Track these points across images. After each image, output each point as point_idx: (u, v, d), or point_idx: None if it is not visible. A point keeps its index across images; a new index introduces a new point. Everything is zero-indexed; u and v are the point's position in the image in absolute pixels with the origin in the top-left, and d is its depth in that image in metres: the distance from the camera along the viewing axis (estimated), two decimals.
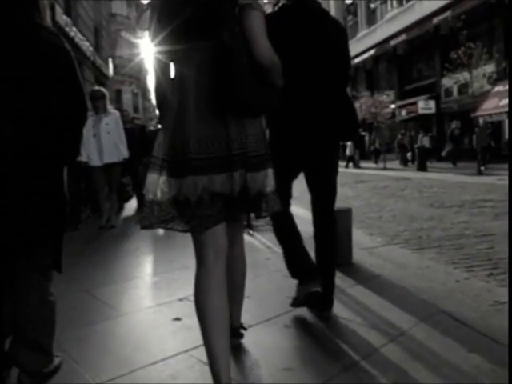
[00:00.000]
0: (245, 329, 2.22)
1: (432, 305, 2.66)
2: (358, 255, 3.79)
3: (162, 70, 1.74)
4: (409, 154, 20.44)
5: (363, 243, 4.39)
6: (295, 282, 3.00)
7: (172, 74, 1.73)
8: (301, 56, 2.20)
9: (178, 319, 2.51)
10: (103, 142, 5.43)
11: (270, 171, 1.77)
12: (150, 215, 1.70)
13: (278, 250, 3.46)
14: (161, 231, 5.65)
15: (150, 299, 2.94)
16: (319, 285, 2.45)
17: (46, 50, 1.70)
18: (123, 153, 5.63)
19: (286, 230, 2.64)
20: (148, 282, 3.35)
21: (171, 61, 1.72)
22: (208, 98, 1.61)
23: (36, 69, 1.68)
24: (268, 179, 1.75)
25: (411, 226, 5.53)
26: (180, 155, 1.61)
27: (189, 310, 2.63)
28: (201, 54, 1.64)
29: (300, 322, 2.47)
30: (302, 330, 2.37)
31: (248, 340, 2.20)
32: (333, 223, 2.64)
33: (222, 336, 1.63)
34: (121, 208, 7.13)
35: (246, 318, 2.25)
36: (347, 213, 3.68)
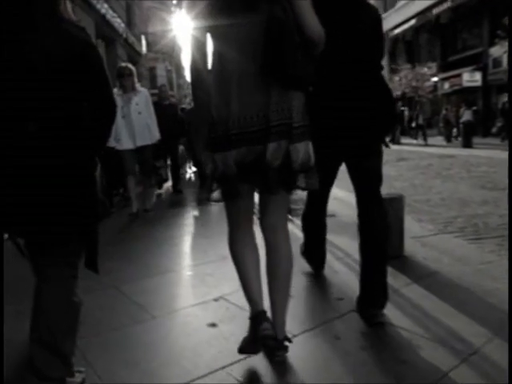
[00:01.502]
0: (290, 341, 1.94)
1: (502, 312, 2.29)
2: (410, 246, 3.43)
3: (201, 46, 1.75)
4: (454, 130, 19.34)
5: (412, 231, 3.99)
6: (344, 279, 2.73)
7: (211, 51, 1.76)
8: (333, 46, 1.98)
9: (213, 325, 2.26)
10: (134, 123, 5.02)
11: (311, 144, 1.78)
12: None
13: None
14: (195, 217, 5.44)
15: (183, 299, 2.69)
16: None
17: (70, 45, 1.59)
18: (155, 134, 5.28)
19: (315, 220, 2.75)
20: (181, 276, 3.10)
21: (212, 36, 1.74)
22: (249, 73, 1.66)
23: (59, 65, 1.57)
24: (310, 151, 1.77)
25: (464, 212, 5.06)
26: (222, 131, 1.70)
27: (225, 314, 2.40)
28: (245, 29, 1.66)
29: (353, 332, 2.16)
30: (356, 344, 2.05)
31: (293, 354, 1.92)
32: (381, 215, 2.35)
33: (255, 280, 1.94)
34: (154, 192, 6.94)
35: (289, 325, 1.97)
36: (399, 200, 3.30)
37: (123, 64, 5.45)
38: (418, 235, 3.92)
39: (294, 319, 2.17)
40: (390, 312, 2.32)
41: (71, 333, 1.74)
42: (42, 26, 1.58)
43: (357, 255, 3.24)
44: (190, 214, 5.66)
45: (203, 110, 1.76)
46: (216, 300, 2.57)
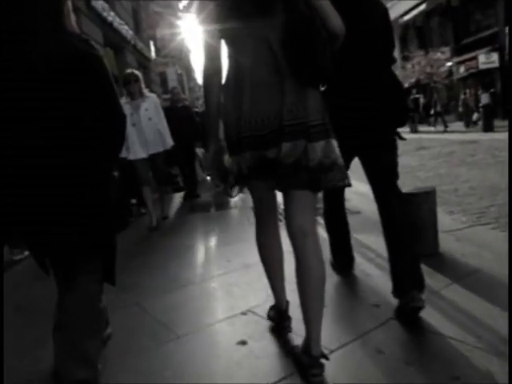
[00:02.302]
0: (326, 358, 1.77)
1: None
2: (444, 241, 3.22)
3: (213, 50, 1.74)
4: (475, 115, 18.71)
5: (444, 224, 3.76)
6: (377, 282, 2.56)
7: (227, 54, 1.75)
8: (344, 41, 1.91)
9: (243, 343, 2.10)
10: (145, 130, 4.81)
11: (334, 141, 1.72)
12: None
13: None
14: (215, 222, 5.27)
15: (208, 314, 2.53)
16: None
17: (73, 58, 1.55)
18: (168, 141, 5.07)
19: (335, 216, 2.73)
20: (204, 289, 2.94)
21: (225, 40, 1.73)
22: (263, 76, 1.66)
23: (62, 80, 1.54)
24: (331, 149, 1.70)
25: (496, 201, 4.80)
26: (234, 135, 1.72)
27: (255, 329, 2.23)
28: (258, 31, 1.65)
29: (395, 344, 1.97)
30: (400, 357, 1.86)
31: (331, 372, 1.75)
32: (401, 208, 2.32)
33: (278, 270, 2.12)
34: (170, 200, 6.80)
35: (324, 338, 1.80)
36: (431, 194, 3.09)
37: (128, 70, 5.26)
38: (450, 228, 3.71)
39: (329, 332, 2.00)
40: (433, 317, 2.14)
41: (95, 338, 1.75)
42: (44, 38, 1.55)
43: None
44: (210, 220, 5.50)
45: (214, 115, 1.77)
46: (244, 314, 2.41)
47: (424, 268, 2.74)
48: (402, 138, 2.41)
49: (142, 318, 2.54)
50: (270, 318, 2.25)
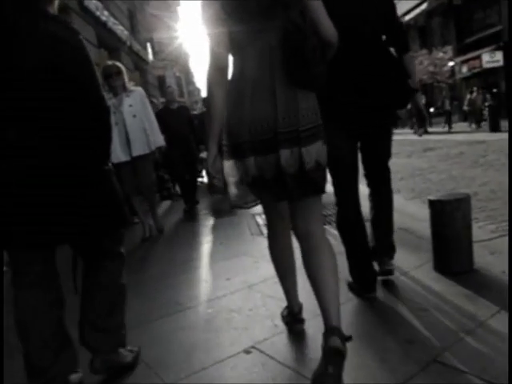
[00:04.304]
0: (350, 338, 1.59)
1: None
2: (477, 255, 2.76)
3: (215, 56, 1.70)
4: (484, 114, 18.05)
5: (473, 234, 3.34)
6: (404, 312, 2.17)
7: (229, 59, 1.73)
8: (345, 28, 1.92)
9: None
10: (129, 128, 4.15)
11: (324, 144, 1.74)
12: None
13: None
14: (213, 232, 4.80)
15: (204, 352, 2.04)
16: (374, 293, 2.44)
17: (53, 44, 1.51)
18: (157, 140, 4.42)
19: (350, 222, 2.45)
20: (199, 316, 2.47)
21: (230, 45, 1.71)
22: (263, 81, 1.66)
23: (41, 67, 1.51)
24: (322, 150, 1.73)
25: None
26: (237, 138, 1.70)
27: (262, 373, 1.78)
28: (260, 36, 1.66)
29: None
30: None
31: None
32: (390, 199, 2.64)
33: (291, 276, 2.09)
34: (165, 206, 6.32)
35: None
36: (465, 201, 2.64)
37: (109, 62, 4.62)
38: (480, 239, 3.25)
39: (361, 375, 1.56)
40: (481, 355, 1.70)
41: (119, 311, 1.93)
42: (26, 32, 1.50)
43: (419, 275, 2.66)
44: (207, 229, 5.03)
45: (217, 119, 1.72)
46: (248, 352, 1.96)
47: (462, 291, 2.32)
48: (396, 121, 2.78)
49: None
50: (283, 319, 2.21)
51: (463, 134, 15.65)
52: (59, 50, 1.51)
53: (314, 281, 1.70)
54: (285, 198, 1.74)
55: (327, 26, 1.68)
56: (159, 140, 4.50)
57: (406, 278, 2.64)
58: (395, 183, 6.28)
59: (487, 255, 2.88)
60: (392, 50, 2.47)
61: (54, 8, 1.65)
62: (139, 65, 17.49)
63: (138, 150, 4.25)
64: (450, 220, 2.55)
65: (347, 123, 2.30)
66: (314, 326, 2.04)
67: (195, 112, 9.57)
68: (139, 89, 4.51)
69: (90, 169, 1.69)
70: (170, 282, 3.14)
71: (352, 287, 2.51)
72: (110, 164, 1.84)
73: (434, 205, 2.64)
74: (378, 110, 2.33)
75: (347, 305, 2.31)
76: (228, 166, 1.75)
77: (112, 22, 12.12)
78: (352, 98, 2.24)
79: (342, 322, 1.63)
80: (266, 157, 1.66)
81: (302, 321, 2.15)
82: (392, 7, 2.47)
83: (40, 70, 1.51)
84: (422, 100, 2.76)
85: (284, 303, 2.19)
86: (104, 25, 11.42)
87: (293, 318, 2.15)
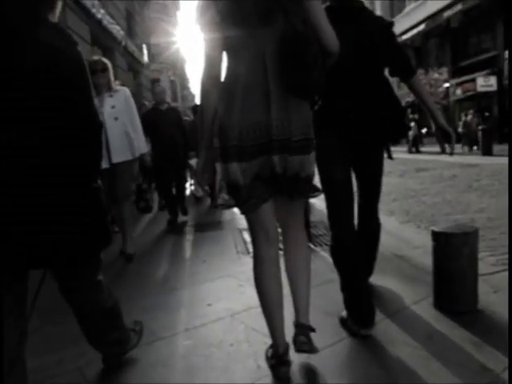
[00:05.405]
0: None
1: None
2: (480, 292, 2.54)
3: (210, 60, 1.71)
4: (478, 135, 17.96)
5: None
6: (407, 358, 1.93)
7: (224, 63, 1.74)
8: (343, 58, 1.84)
9: None
10: (110, 132, 3.73)
11: (312, 156, 1.77)
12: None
13: None
14: (194, 249, 4.49)
15: None
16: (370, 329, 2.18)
17: (46, 51, 1.49)
18: (139, 146, 4.03)
19: (345, 246, 2.23)
20: (174, 349, 2.19)
21: (224, 49, 1.71)
22: (257, 86, 1.65)
23: (32, 74, 1.48)
24: (308, 163, 1.76)
25: None
26: (225, 142, 1.69)
27: None
28: (257, 41, 1.65)
29: None
30: None
31: None
32: (377, 228, 2.62)
33: (278, 311, 1.88)
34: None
35: None
36: (472, 235, 2.41)
37: (95, 57, 4.24)
38: (481, 272, 3.03)
39: None
40: None
41: (112, 329, 1.98)
42: (26, 36, 1.48)
43: (417, 311, 2.43)
44: (190, 244, 4.72)
45: (209, 123, 1.74)
46: None
47: (468, 337, 2.10)
48: (390, 157, 2.59)
49: None
50: (267, 360, 1.99)
51: (455, 156, 15.55)
52: (56, 60, 1.51)
53: (291, 277, 1.96)
54: (276, 192, 1.81)
55: (329, 34, 1.68)
56: (142, 146, 4.13)
57: (403, 315, 2.41)
58: (388, 204, 6.04)
59: (491, 293, 2.66)
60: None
61: (55, 16, 1.64)
62: (133, 66, 17.22)
63: (119, 156, 3.87)
64: (455, 255, 2.33)
65: (346, 129, 2.22)
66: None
67: (187, 118, 9.28)
68: (124, 88, 4.12)
69: (79, 187, 1.63)
70: (144, 304, 2.83)
71: (345, 323, 2.26)
72: (98, 182, 1.76)
73: (438, 237, 2.41)
74: (376, 118, 2.25)
75: (340, 343, 2.07)
76: (220, 168, 1.75)
77: (108, 21, 11.86)
78: (351, 104, 2.19)
79: (331, 365, 1.75)
80: (257, 160, 1.68)
81: (287, 363, 1.89)
82: (392, 36, 2.39)
83: (40, 70, 1.50)
84: (442, 119, 2.60)
85: (269, 339, 1.94)
86: (99, 23, 11.14)
87: (278, 360, 1.89)
